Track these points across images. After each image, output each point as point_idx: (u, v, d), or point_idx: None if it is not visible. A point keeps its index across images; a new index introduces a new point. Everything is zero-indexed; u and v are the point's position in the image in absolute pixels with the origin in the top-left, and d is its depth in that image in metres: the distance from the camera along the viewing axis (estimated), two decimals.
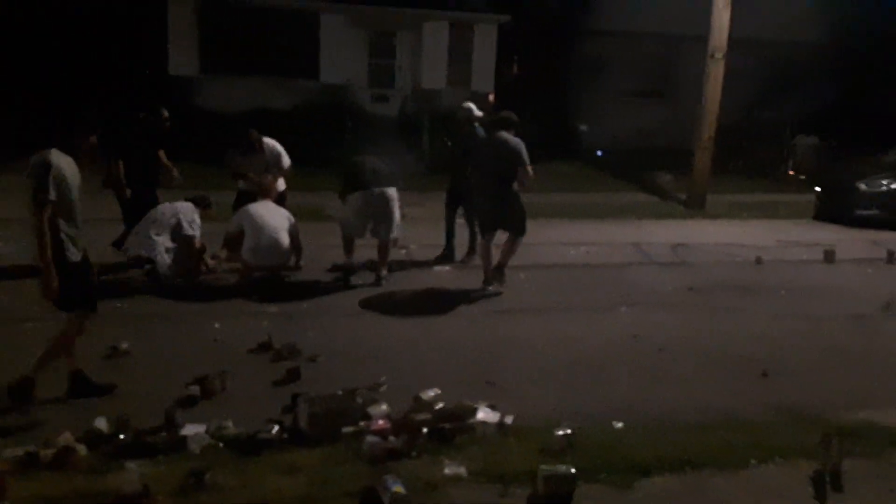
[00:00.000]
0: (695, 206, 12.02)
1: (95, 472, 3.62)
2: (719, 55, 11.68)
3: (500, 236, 7.22)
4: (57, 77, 13.93)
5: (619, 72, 17.53)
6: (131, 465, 3.66)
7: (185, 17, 14.60)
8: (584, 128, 17.65)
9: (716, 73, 11.75)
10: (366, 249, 7.52)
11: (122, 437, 3.85)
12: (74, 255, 4.38)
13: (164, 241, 6.57)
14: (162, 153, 7.60)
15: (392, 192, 7.08)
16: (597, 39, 17.36)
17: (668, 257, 8.88)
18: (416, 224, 8.29)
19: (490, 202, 7.02)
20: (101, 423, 3.96)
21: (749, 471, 3.96)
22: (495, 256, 7.11)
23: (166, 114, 7.55)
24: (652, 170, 14.73)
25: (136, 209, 7.10)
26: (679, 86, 17.50)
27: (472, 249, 7.94)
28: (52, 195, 4.17)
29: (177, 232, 6.67)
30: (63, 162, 4.31)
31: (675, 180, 13.91)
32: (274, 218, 6.94)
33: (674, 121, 16.47)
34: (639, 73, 17.89)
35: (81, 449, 3.76)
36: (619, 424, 4.37)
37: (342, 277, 7.20)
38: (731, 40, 11.71)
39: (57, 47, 14.13)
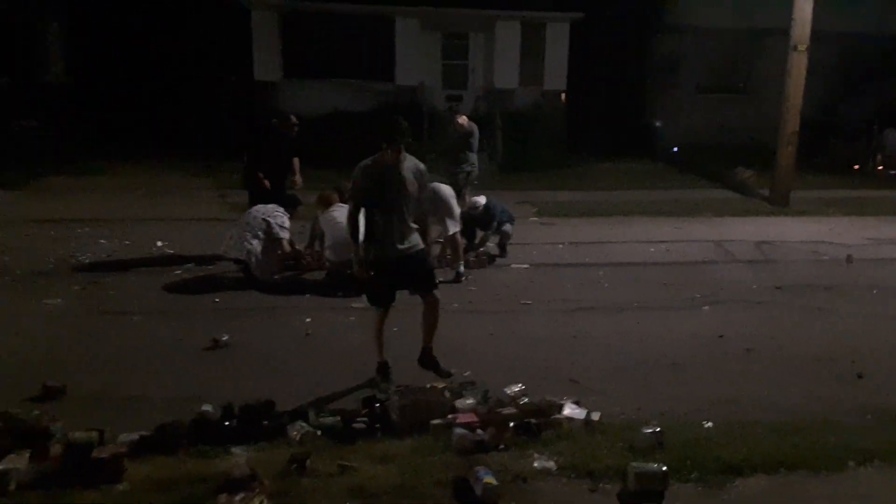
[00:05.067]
0: (779, 203, 11.64)
1: (204, 457, 3.85)
2: (802, 47, 11.28)
3: None
4: (148, 85, 14.67)
5: (696, 67, 17.17)
6: (237, 450, 3.88)
7: (269, 25, 15.12)
8: (659, 125, 17.34)
9: (798, 65, 11.36)
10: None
11: (227, 423, 4.07)
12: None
13: (257, 245, 6.86)
14: (296, 161, 7.92)
15: (442, 187, 7.24)
16: (672, 35, 17.05)
17: (752, 255, 8.66)
18: None
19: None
20: (209, 410, 4.19)
21: (847, 473, 3.86)
22: None
23: (294, 119, 7.91)
24: (731, 166, 14.34)
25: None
26: (758, 81, 16.98)
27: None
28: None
29: (267, 234, 6.96)
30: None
31: (756, 176, 13.51)
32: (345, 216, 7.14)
33: (753, 116, 16.01)
34: (716, 68, 17.44)
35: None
36: (709, 424, 4.33)
37: None
38: (814, 33, 11.30)
39: (148, 58, 14.87)
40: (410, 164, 4.78)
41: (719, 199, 12.27)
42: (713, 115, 16.90)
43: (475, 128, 9.68)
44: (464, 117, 9.78)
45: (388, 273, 4.79)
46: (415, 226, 4.88)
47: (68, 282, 6.96)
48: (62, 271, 7.28)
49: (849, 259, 8.38)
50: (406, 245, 4.78)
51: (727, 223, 10.40)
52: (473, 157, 9.58)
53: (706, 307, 6.69)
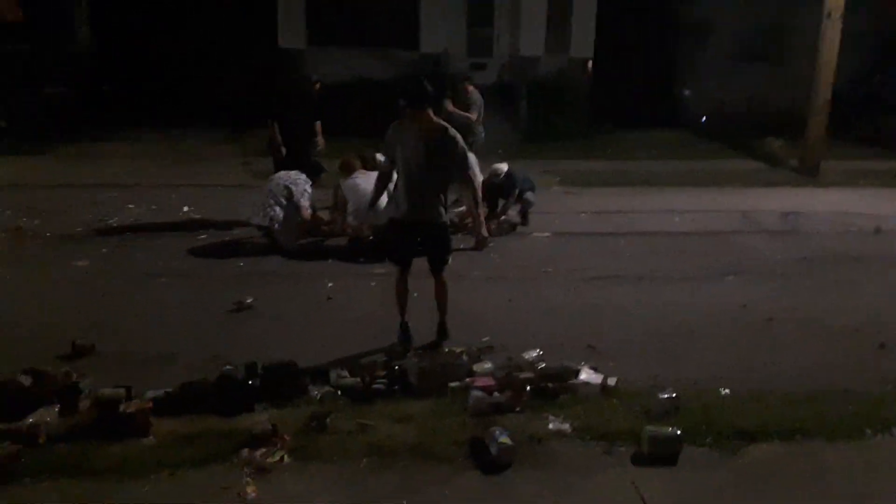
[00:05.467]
0: (808, 174, 11.42)
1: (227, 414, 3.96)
2: (836, 15, 10.95)
3: None
4: (172, 52, 14.71)
5: (727, 35, 16.72)
6: (259, 407, 3.98)
7: None
8: (687, 93, 17.03)
9: (832, 33, 11.04)
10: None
11: (251, 382, 4.17)
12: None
13: (279, 211, 6.93)
14: (318, 124, 7.98)
15: (469, 157, 7.18)
16: (703, 2, 16.62)
17: (778, 226, 8.53)
18: None
19: None
20: (232, 369, 4.29)
21: (864, 441, 3.87)
22: None
23: (316, 79, 7.95)
24: (761, 136, 14.06)
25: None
26: (791, 49, 16.51)
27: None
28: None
29: (290, 201, 7.02)
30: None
31: (785, 147, 13.23)
32: (369, 183, 7.15)
33: (784, 86, 15.60)
34: (747, 35, 16.97)
35: None
36: (726, 391, 4.34)
37: None
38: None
39: (173, 26, 14.89)
40: (438, 129, 4.66)
41: (747, 169, 12.07)
42: (744, 84, 16.50)
43: (479, 98, 9.45)
44: (470, 88, 9.50)
45: (401, 234, 4.83)
46: (449, 198, 4.82)
47: (96, 245, 7.11)
48: (90, 235, 7.43)
49: (877, 230, 8.23)
50: (421, 213, 4.70)
51: (754, 193, 10.23)
52: (480, 128, 9.40)
53: (729, 277, 6.63)
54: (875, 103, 15.40)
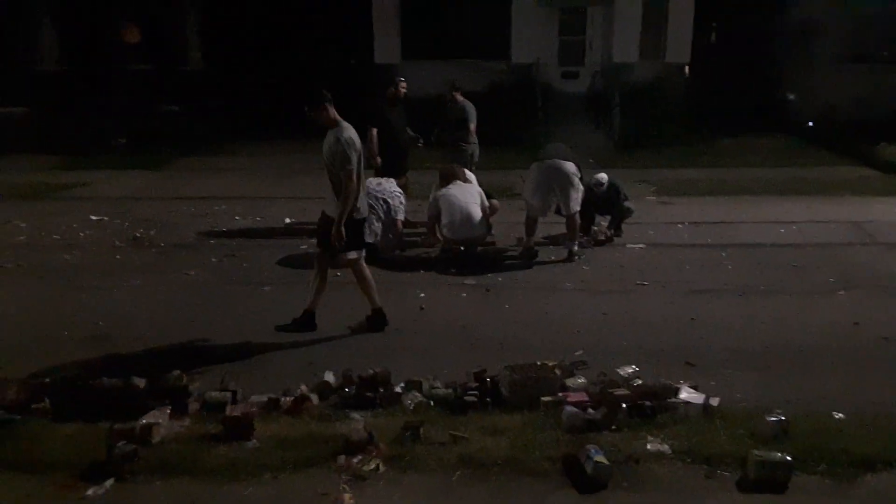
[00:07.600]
0: None
1: (325, 420, 4.08)
2: None
3: None
4: (276, 71, 15.37)
5: (833, 35, 15.83)
6: (355, 415, 4.07)
7: (388, 6, 15.44)
8: (792, 97, 16.23)
9: None
10: (558, 226, 7.62)
11: (346, 390, 4.28)
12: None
13: (378, 226, 7.10)
14: (407, 128, 8.22)
15: (567, 165, 7.11)
16: (807, 0, 15.83)
17: (893, 238, 7.98)
18: None
19: None
20: (330, 377, 4.43)
21: None
22: None
23: (402, 80, 8.14)
24: (873, 142, 13.20)
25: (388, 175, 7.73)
26: None
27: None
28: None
29: (387, 214, 7.18)
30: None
31: None
32: (465, 195, 7.25)
33: None
34: (856, 35, 16.01)
35: (314, 398, 4.24)
36: (839, 415, 4.09)
37: (522, 258, 7.30)
38: None
39: (276, 45, 15.59)
40: (334, 132, 5.12)
41: (858, 177, 11.36)
42: (851, 87, 15.58)
43: (469, 106, 8.76)
44: (459, 97, 8.85)
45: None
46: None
47: (207, 254, 7.52)
48: (201, 245, 7.87)
49: None
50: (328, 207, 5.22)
51: (867, 203, 9.61)
52: (473, 138, 8.70)
53: (841, 292, 6.26)
54: None
